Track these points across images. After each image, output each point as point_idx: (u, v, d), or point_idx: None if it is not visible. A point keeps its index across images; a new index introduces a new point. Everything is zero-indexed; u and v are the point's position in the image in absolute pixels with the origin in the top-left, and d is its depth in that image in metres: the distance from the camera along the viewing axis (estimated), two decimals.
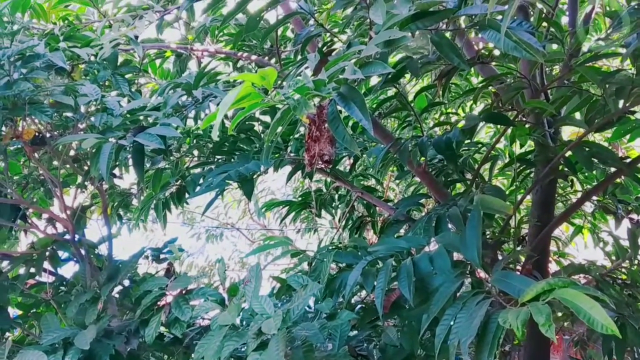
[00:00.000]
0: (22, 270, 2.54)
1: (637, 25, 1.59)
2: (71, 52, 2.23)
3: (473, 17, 1.52)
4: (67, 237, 2.50)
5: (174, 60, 3.02)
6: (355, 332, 2.00)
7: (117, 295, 2.45)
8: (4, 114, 1.96)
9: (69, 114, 2.27)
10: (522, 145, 2.59)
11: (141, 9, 2.52)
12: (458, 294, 1.54)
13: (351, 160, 3.00)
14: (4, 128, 2.10)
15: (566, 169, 2.29)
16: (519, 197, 2.37)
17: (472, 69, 2.82)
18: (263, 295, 1.76)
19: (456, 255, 1.77)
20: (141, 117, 2.16)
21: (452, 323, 1.41)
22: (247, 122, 2.52)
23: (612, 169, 2.27)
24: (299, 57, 2.45)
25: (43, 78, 2.10)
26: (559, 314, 2.43)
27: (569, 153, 2.15)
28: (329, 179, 2.98)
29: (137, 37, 2.37)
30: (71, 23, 2.64)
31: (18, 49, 1.98)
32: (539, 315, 1.17)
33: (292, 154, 2.55)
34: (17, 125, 2.19)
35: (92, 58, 2.27)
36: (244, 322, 1.76)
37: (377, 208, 3.01)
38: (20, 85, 1.97)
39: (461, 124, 2.27)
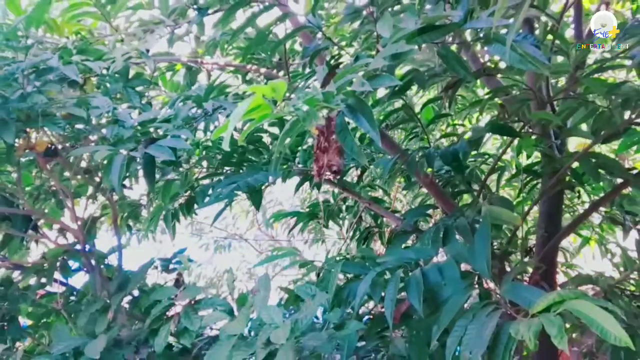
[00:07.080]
0: (33, 281, 2.56)
1: None
2: (84, 66, 2.25)
3: (478, 30, 1.54)
4: (78, 247, 2.52)
5: (184, 73, 3.06)
6: (363, 342, 2.00)
7: (126, 305, 2.46)
8: (18, 126, 1.98)
9: (81, 126, 2.30)
10: (528, 157, 2.60)
11: (152, 23, 2.56)
12: (466, 305, 1.54)
13: (359, 172, 3.02)
14: (17, 140, 2.13)
15: (573, 180, 2.29)
16: (526, 208, 2.37)
17: (478, 81, 2.84)
18: (271, 305, 1.77)
19: (463, 266, 1.77)
20: (152, 129, 2.18)
21: (462, 334, 1.41)
22: (255, 134, 2.54)
23: (619, 180, 2.28)
24: (307, 70, 2.48)
25: (56, 91, 2.13)
26: (567, 326, 2.41)
27: (575, 164, 2.15)
28: (336, 190, 3.00)
29: (148, 51, 2.41)
30: (84, 37, 2.68)
31: (32, 62, 2.00)
32: (551, 327, 1.17)
33: (300, 165, 2.57)
34: (30, 137, 2.23)
35: (104, 71, 2.30)
36: (253, 332, 1.76)
37: (384, 219, 3.02)
38: (33, 97, 1.99)
39: (468, 135, 2.28)
